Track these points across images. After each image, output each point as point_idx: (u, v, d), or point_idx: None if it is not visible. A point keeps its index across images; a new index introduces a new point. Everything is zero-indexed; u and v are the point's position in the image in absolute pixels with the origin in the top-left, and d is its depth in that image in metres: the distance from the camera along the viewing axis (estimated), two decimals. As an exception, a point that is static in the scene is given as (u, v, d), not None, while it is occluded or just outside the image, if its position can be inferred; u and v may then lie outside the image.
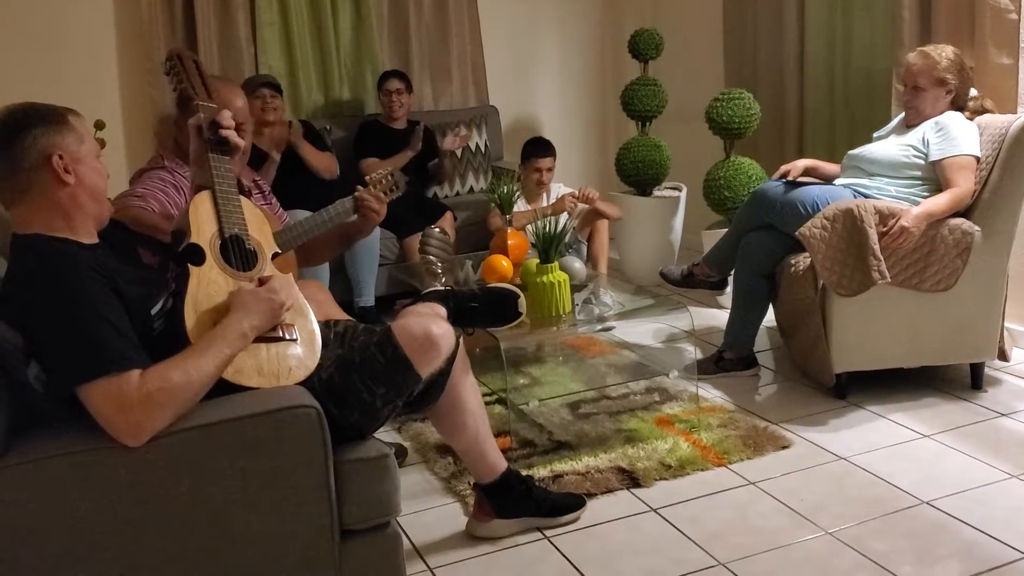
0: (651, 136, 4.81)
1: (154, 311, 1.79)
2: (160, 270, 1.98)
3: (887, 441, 2.84)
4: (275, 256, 2.03)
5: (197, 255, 1.87)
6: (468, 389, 2.29)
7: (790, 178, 3.36)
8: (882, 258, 2.92)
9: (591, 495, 2.56)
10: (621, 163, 4.79)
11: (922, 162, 3.11)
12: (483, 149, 4.93)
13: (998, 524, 2.34)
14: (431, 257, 3.43)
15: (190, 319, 1.77)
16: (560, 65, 5.53)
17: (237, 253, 1.94)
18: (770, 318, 3.48)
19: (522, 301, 2.37)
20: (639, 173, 4.73)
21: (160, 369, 1.62)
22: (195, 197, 1.97)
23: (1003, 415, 2.99)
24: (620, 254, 4.89)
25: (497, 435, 2.45)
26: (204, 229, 1.92)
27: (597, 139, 5.71)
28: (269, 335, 1.82)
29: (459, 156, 4.81)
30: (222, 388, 1.71)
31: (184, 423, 1.63)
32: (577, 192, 4.06)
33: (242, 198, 2.04)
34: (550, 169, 4.20)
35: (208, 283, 1.84)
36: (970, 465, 2.67)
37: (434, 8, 5.02)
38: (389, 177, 2.61)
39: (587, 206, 4.11)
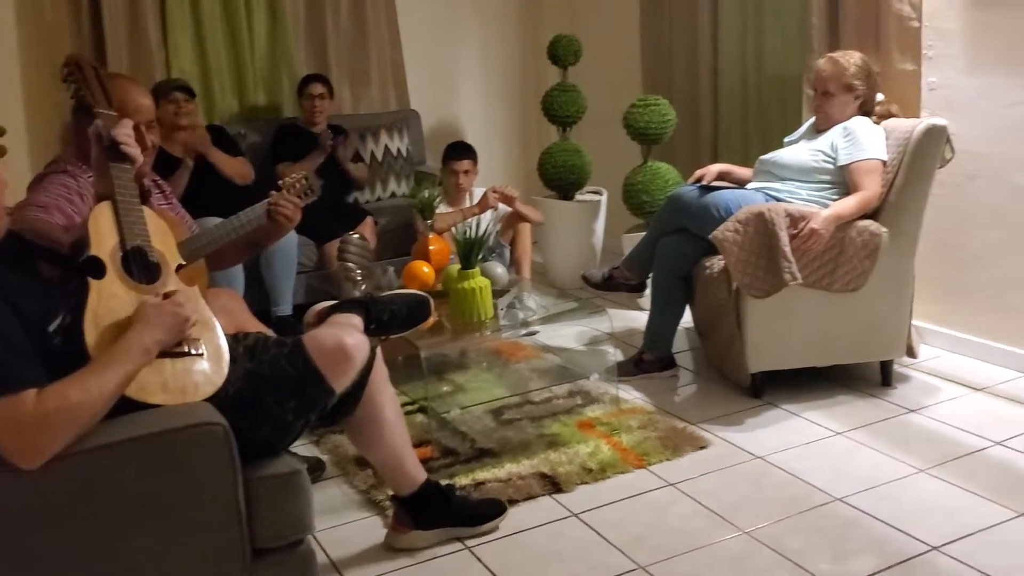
0: (572, 141, 4.84)
1: (51, 327, 1.71)
2: (60, 284, 1.90)
3: (801, 439, 2.90)
4: (180, 268, 1.97)
5: (97, 268, 1.80)
6: (386, 400, 2.25)
7: (704, 182, 3.41)
8: (793, 260, 2.98)
9: (513, 502, 2.55)
10: (543, 168, 4.81)
11: (831, 166, 3.19)
12: (404, 153, 4.89)
13: (907, 518, 2.41)
14: (350, 264, 3.37)
15: (91, 335, 1.70)
16: (481, 69, 5.52)
17: (140, 265, 1.87)
18: (688, 319, 3.53)
19: (432, 303, 2.39)
20: (561, 178, 4.76)
21: (58, 388, 1.55)
22: (95, 208, 1.90)
23: (911, 411, 3.08)
24: (544, 258, 4.91)
25: (418, 445, 2.42)
26: (105, 241, 1.85)
27: (519, 144, 5.72)
28: (174, 350, 1.76)
29: (380, 160, 4.75)
30: (125, 406, 1.65)
31: (84, 443, 1.56)
32: (496, 187, 4.05)
33: (145, 208, 1.97)
34: (467, 172, 4.19)
35: (109, 297, 1.78)
36: (880, 461, 2.74)
37: (351, 11, 4.95)
38: (303, 181, 2.55)
39: (508, 208, 4.11)
